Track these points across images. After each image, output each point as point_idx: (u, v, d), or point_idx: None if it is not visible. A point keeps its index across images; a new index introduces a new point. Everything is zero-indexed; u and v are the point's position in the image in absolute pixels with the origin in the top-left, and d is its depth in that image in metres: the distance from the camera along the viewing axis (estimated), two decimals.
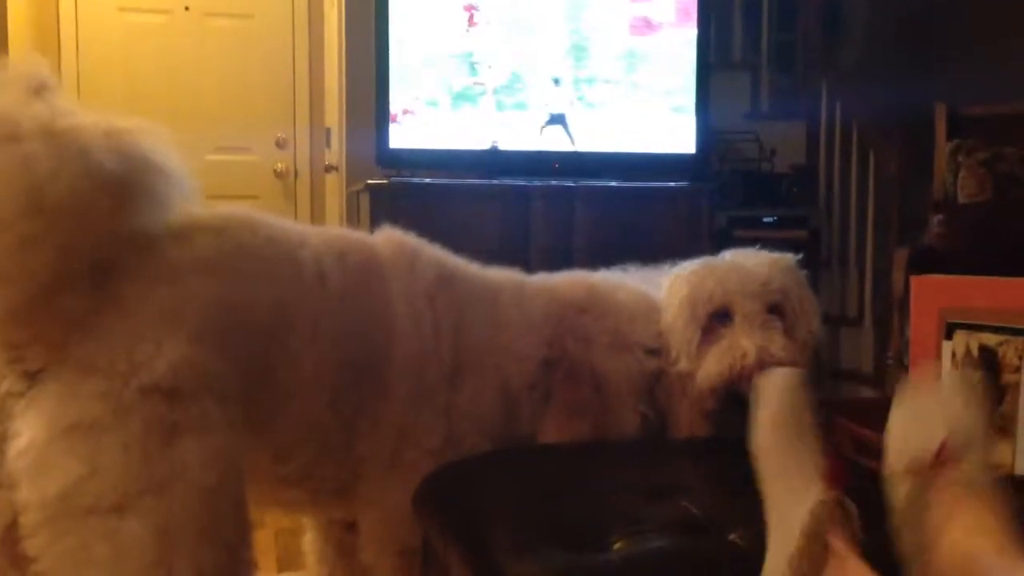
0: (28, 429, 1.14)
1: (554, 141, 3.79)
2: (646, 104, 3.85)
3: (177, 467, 1.16)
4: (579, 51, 3.80)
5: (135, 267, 1.24)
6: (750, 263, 1.75)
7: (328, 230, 1.60)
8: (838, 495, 1.08)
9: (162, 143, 1.25)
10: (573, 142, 3.77)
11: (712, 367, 1.65)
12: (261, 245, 1.40)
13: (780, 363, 1.61)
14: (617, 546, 1.19)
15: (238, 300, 1.31)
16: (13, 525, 1.16)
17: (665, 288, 1.79)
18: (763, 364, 1.61)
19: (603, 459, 1.53)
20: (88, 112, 1.21)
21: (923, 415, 1.17)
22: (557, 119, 3.78)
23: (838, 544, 1.05)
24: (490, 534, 1.27)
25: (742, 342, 1.64)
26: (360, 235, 1.61)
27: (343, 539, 1.75)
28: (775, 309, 1.69)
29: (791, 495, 1.12)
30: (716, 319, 1.69)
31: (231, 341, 1.27)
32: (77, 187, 1.12)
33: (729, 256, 1.79)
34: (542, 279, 1.79)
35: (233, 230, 1.39)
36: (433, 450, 1.52)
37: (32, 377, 1.17)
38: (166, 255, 1.28)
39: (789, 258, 1.79)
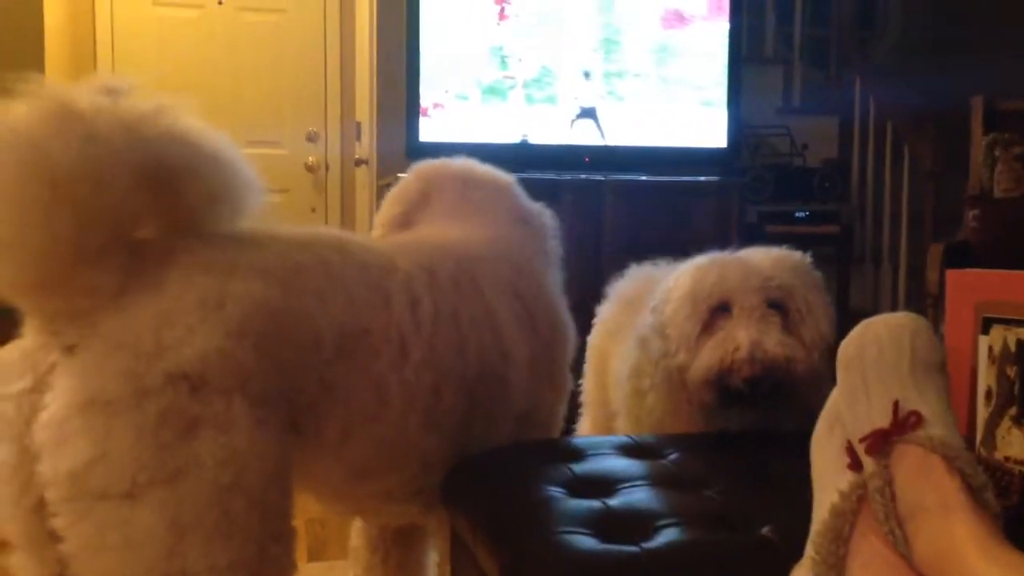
0: (53, 401, 1.13)
1: (584, 135, 3.79)
2: (677, 98, 3.83)
3: (192, 461, 1.13)
4: (610, 44, 3.79)
5: (185, 257, 1.23)
6: (755, 258, 1.74)
7: (416, 245, 1.61)
8: (864, 476, 1.06)
9: (204, 126, 1.24)
10: (603, 136, 3.75)
11: (704, 359, 1.66)
12: (346, 268, 1.39)
13: (775, 359, 1.62)
14: (647, 539, 1.19)
15: (296, 309, 1.28)
16: (43, 500, 1.15)
17: (671, 280, 1.79)
18: (755, 359, 1.61)
19: (633, 452, 1.53)
20: (137, 99, 1.20)
21: (866, 374, 1.12)
22: (588, 113, 3.77)
23: (863, 524, 1.03)
24: (518, 523, 1.27)
25: (736, 334, 1.64)
26: (440, 239, 1.64)
27: (398, 546, 1.77)
28: (777, 305, 1.68)
29: (829, 478, 1.10)
30: (717, 313, 1.68)
31: (279, 347, 1.24)
32: (87, 161, 1.10)
33: (739, 252, 1.79)
34: None
35: (319, 248, 1.38)
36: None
37: (69, 351, 1.15)
38: (226, 253, 1.26)
39: (799, 256, 1.77)
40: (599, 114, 3.77)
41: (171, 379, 1.13)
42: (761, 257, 1.75)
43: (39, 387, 1.15)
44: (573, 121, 3.76)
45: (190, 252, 1.23)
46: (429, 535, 1.80)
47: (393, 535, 1.79)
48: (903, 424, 1.06)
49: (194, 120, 1.23)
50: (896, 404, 1.08)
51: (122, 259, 1.18)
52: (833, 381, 1.19)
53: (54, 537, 1.15)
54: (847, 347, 1.16)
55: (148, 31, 4.69)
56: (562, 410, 1.74)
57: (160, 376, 1.13)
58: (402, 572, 1.80)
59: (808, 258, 1.78)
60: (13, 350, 1.21)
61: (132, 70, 4.68)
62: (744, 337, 1.63)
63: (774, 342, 1.63)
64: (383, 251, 1.51)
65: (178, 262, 1.21)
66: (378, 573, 1.79)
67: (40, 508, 1.15)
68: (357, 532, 1.82)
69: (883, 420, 1.07)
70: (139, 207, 1.20)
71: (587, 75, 3.76)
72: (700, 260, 1.78)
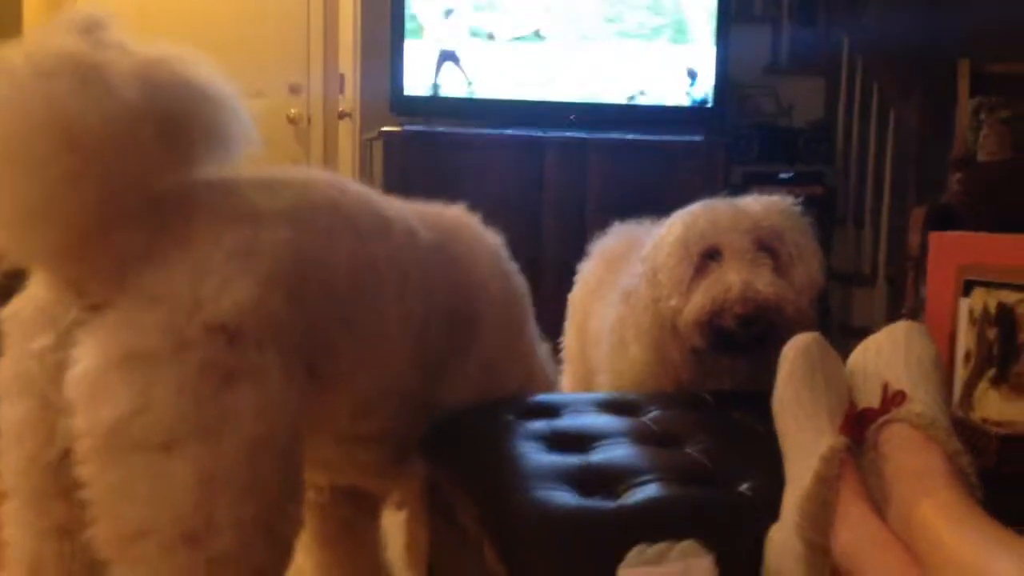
0: (85, 356, 1.11)
1: (570, 91, 3.76)
2: (664, 56, 3.80)
3: (228, 414, 1.12)
4: None
5: (209, 208, 1.21)
6: (746, 203, 1.76)
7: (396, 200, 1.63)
8: (849, 442, 1.09)
9: (208, 71, 1.21)
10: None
11: (697, 300, 1.66)
12: (350, 203, 1.40)
13: (767, 300, 1.63)
14: (625, 493, 1.19)
15: (318, 253, 1.28)
16: (66, 453, 1.14)
17: (663, 227, 1.79)
18: (746, 299, 1.62)
19: (613, 408, 1.53)
20: (138, 45, 1.17)
21: (866, 370, 1.21)
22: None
23: (846, 490, 1.05)
24: (498, 477, 1.27)
25: (727, 276, 1.65)
26: (422, 203, 1.66)
27: (347, 517, 1.75)
28: (767, 248, 1.69)
29: (805, 445, 1.12)
30: (708, 257, 1.69)
31: (304, 292, 1.23)
32: (110, 121, 1.08)
33: (729, 199, 1.80)
34: None
35: (321, 187, 1.38)
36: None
37: (95, 309, 1.14)
38: (246, 199, 1.25)
39: (789, 201, 1.78)
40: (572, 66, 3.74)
41: (210, 330, 1.12)
42: (751, 202, 1.76)
43: (62, 344, 1.14)
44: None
45: (211, 202, 1.22)
46: (378, 517, 1.80)
47: (340, 524, 1.77)
48: (890, 401, 1.12)
49: (193, 62, 1.20)
50: (886, 385, 1.15)
51: (147, 215, 1.16)
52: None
53: (66, 491, 1.14)
54: (855, 353, 1.27)
55: None
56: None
57: (199, 328, 1.11)
58: (353, 562, 1.79)
59: (798, 203, 1.79)
60: (26, 305, 1.19)
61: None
62: (735, 279, 1.63)
63: (765, 282, 1.64)
64: (374, 191, 1.52)
65: (202, 213, 1.20)
66: (330, 563, 1.78)
67: (59, 463, 1.15)
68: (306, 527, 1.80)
69: (875, 401, 1.15)
70: (157, 159, 1.17)
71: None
72: (691, 207, 1.79)
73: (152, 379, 1.10)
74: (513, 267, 1.73)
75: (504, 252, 1.72)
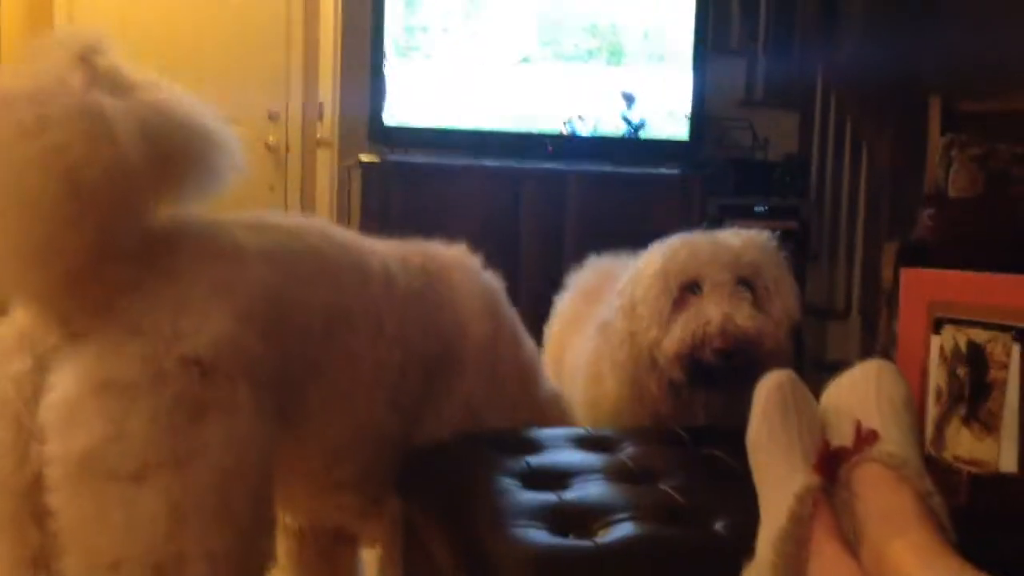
0: (62, 383, 1.13)
1: (548, 123, 3.78)
2: (641, 87, 3.84)
3: (199, 445, 1.14)
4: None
5: (195, 244, 1.25)
6: (725, 237, 1.78)
7: (389, 242, 1.65)
8: (823, 481, 1.09)
9: (201, 106, 1.25)
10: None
11: (677, 333, 1.68)
12: (331, 251, 1.44)
13: (746, 333, 1.64)
14: (600, 532, 1.19)
15: (294, 295, 1.32)
16: (38, 479, 1.15)
17: (640, 261, 1.80)
18: (726, 332, 1.63)
19: (588, 445, 1.53)
20: (136, 73, 1.21)
21: (839, 408, 1.22)
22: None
23: (820, 529, 1.05)
24: (472, 515, 1.26)
25: (707, 310, 1.66)
26: (419, 243, 1.68)
27: (328, 546, 1.75)
28: (746, 283, 1.70)
29: (779, 483, 1.12)
30: (688, 290, 1.71)
31: (278, 331, 1.26)
32: (111, 169, 1.11)
33: (707, 233, 1.81)
34: None
35: (306, 233, 1.43)
36: None
37: (76, 336, 1.16)
38: (231, 238, 1.29)
39: (767, 237, 1.81)
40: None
41: (185, 364, 1.14)
42: (730, 236, 1.78)
43: (39, 368, 1.16)
44: None
45: (198, 239, 1.27)
46: (356, 545, 1.79)
47: (319, 551, 1.77)
48: (862, 440, 1.13)
49: (188, 97, 1.24)
50: (858, 424, 1.15)
51: (137, 250, 1.20)
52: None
53: (38, 518, 1.15)
54: (827, 391, 1.27)
55: (108, 5, 4.60)
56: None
57: (176, 361, 1.14)
58: None
59: (774, 239, 1.82)
60: (8, 329, 1.21)
61: None
62: (715, 312, 1.65)
63: (745, 316, 1.65)
64: (361, 238, 1.56)
65: (188, 249, 1.24)
66: None
67: (30, 488, 1.16)
68: (286, 552, 1.78)
69: (847, 440, 1.15)
70: (152, 198, 1.21)
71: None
72: (670, 239, 1.80)
73: (127, 408, 1.11)
74: (510, 312, 1.73)
75: (502, 296, 1.71)
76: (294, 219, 1.53)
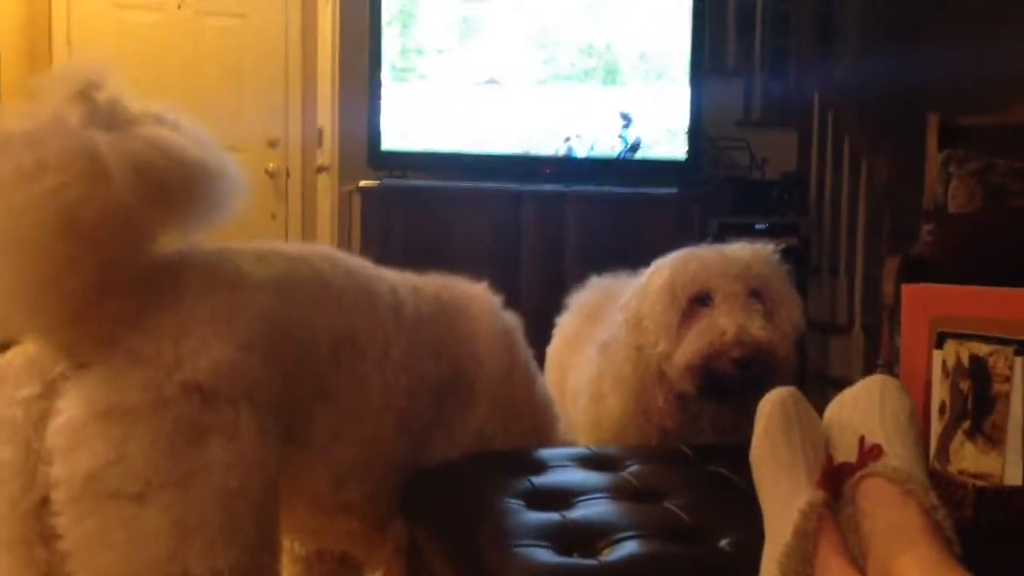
0: (68, 407, 1.17)
1: (546, 146, 3.79)
2: (638, 107, 3.85)
3: (199, 467, 1.17)
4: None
5: (198, 274, 1.28)
6: (733, 250, 1.78)
7: (407, 274, 1.67)
8: (827, 496, 1.09)
9: (203, 136, 1.28)
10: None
11: (691, 344, 1.68)
12: (338, 277, 1.46)
13: (761, 343, 1.65)
14: (605, 551, 1.19)
15: (299, 322, 1.34)
16: (45, 501, 1.18)
17: (645, 275, 1.80)
18: (743, 342, 1.63)
19: (593, 464, 1.53)
20: (137, 105, 1.23)
21: (842, 424, 1.22)
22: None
23: (825, 544, 1.05)
24: (477, 536, 1.26)
25: (721, 321, 1.66)
26: (440, 276, 1.70)
27: (333, 571, 1.75)
28: (755, 294, 1.71)
29: (783, 499, 1.12)
30: (697, 302, 1.71)
31: (281, 357, 1.29)
32: (108, 210, 1.13)
33: (713, 246, 1.82)
34: None
35: (313, 261, 1.45)
36: None
37: (82, 366, 1.20)
38: (234, 267, 1.32)
39: (771, 249, 1.82)
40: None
41: (186, 389, 1.18)
42: (738, 249, 1.79)
43: (48, 394, 1.20)
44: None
45: (201, 268, 1.29)
46: (362, 570, 1.78)
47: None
48: (866, 455, 1.13)
49: (190, 126, 1.27)
50: (862, 439, 1.15)
51: (140, 281, 1.23)
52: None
53: (46, 539, 1.19)
54: (830, 407, 1.27)
55: (107, 33, 4.64)
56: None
57: (177, 387, 1.17)
58: None
59: (777, 251, 1.83)
60: (18, 355, 1.25)
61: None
62: (729, 323, 1.65)
63: (758, 327, 1.66)
64: (371, 266, 1.58)
65: (191, 278, 1.27)
66: None
67: (38, 510, 1.19)
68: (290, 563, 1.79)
69: (851, 456, 1.15)
70: (152, 233, 1.25)
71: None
72: (676, 254, 1.81)
73: (130, 433, 1.15)
74: (526, 350, 1.75)
75: (519, 334, 1.72)
76: (299, 247, 1.55)
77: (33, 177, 1.10)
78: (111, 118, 1.19)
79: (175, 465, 1.16)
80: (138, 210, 1.17)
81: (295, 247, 1.53)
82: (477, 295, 1.70)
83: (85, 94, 1.19)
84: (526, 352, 1.75)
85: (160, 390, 1.17)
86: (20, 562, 1.22)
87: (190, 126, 1.27)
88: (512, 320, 1.72)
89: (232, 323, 1.24)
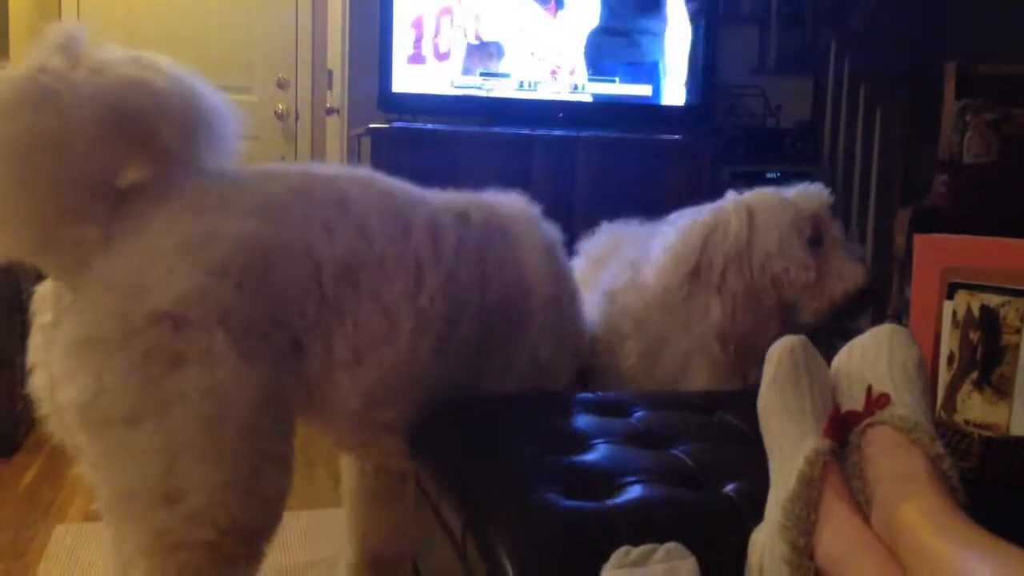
0: (60, 338, 1.23)
1: (557, 91, 3.76)
2: (652, 54, 3.81)
3: (176, 394, 1.21)
4: None
5: (175, 199, 1.30)
6: (808, 192, 1.95)
7: (452, 195, 1.68)
8: (833, 444, 1.09)
9: (191, 79, 1.31)
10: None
11: (838, 285, 1.85)
12: (365, 201, 1.46)
13: (870, 285, 1.88)
14: (610, 495, 1.19)
15: (290, 245, 1.35)
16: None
17: (731, 214, 1.89)
18: (868, 288, 1.87)
19: (600, 409, 1.53)
20: (115, 57, 1.27)
21: (850, 372, 1.22)
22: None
23: (830, 491, 1.05)
24: (483, 481, 1.27)
25: (848, 266, 1.86)
26: (479, 196, 1.72)
27: (393, 485, 1.82)
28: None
29: (789, 447, 1.12)
30: (813, 243, 1.86)
31: (268, 280, 1.30)
32: (57, 137, 1.18)
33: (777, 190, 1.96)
34: None
35: (342, 182, 1.47)
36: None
37: (76, 291, 1.25)
38: (226, 194, 1.35)
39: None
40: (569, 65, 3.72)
41: (154, 318, 1.21)
42: (814, 191, 1.95)
43: (57, 321, 1.26)
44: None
45: (181, 195, 1.31)
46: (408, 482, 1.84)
47: (372, 486, 1.84)
48: (873, 404, 1.13)
49: (159, 60, 1.30)
50: (869, 388, 1.15)
51: (106, 209, 1.26)
52: None
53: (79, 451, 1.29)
54: (839, 356, 1.26)
55: None
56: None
57: (143, 316, 1.21)
58: (379, 522, 1.85)
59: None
60: (46, 287, 1.32)
61: (99, 15, 4.58)
62: (858, 268, 1.86)
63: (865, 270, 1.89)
64: (416, 190, 1.59)
65: (166, 205, 1.29)
66: (367, 517, 1.85)
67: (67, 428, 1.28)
68: (348, 474, 1.87)
69: (858, 404, 1.15)
70: (112, 156, 1.27)
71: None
72: (750, 195, 1.95)
73: (104, 363, 1.20)
74: (568, 266, 1.80)
75: (559, 250, 1.76)
76: (336, 168, 1.57)
77: None
78: (92, 66, 1.23)
79: (152, 393, 1.21)
80: (94, 139, 1.20)
81: (330, 168, 1.55)
82: (520, 216, 1.71)
83: (64, 45, 1.23)
84: (567, 268, 1.79)
85: (127, 319, 1.20)
86: None
87: (168, 65, 1.30)
88: (553, 234, 1.75)
89: (205, 249, 1.25)
